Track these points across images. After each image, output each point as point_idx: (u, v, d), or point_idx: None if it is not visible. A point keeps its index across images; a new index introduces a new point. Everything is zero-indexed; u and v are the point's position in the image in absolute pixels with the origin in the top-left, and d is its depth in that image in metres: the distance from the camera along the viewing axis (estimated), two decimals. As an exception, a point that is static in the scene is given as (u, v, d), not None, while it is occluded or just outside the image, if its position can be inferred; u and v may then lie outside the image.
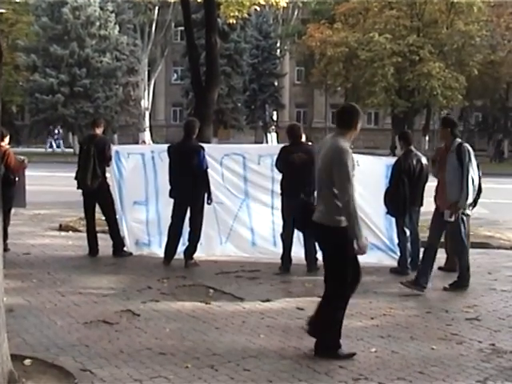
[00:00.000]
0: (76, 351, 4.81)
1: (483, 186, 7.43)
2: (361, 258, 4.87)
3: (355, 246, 4.65)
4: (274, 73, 44.90)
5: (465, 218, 6.94)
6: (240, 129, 42.10)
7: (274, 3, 14.17)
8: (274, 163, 7.92)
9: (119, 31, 36.49)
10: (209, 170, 7.97)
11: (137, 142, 35.71)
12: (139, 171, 8.66)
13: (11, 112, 40.88)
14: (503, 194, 17.15)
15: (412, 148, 7.83)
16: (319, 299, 5.07)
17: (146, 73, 40.29)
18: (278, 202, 7.99)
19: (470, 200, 6.72)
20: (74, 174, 8.51)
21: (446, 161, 6.84)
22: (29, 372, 4.35)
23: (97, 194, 8.43)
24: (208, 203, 7.94)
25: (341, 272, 4.79)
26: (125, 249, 8.57)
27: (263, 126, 43.00)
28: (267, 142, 39.65)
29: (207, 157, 7.96)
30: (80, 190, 8.53)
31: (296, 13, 45.49)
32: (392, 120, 39.44)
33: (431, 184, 7.46)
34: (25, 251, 8.57)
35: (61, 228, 10.41)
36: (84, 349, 4.88)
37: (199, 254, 8.15)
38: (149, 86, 40.64)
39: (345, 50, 34.68)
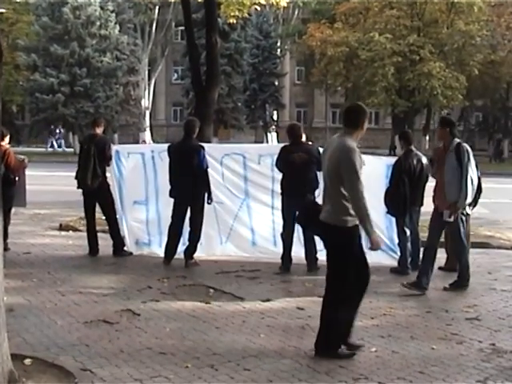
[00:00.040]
0: (76, 351, 4.82)
1: (483, 185, 7.43)
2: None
3: (367, 242, 4.66)
4: (274, 72, 44.83)
5: (464, 217, 6.94)
6: (240, 128, 42.03)
7: (275, 3, 14.11)
8: (275, 163, 7.91)
9: (119, 31, 36.42)
10: (209, 170, 7.97)
11: (137, 142, 35.73)
12: (139, 171, 8.66)
13: (11, 111, 40.88)
14: (503, 194, 17.16)
15: (412, 148, 7.83)
16: (319, 299, 5.07)
17: (147, 72, 40.32)
18: (278, 202, 7.99)
19: (469, 200, 6.72)
20: (74, 174, 8.51)
21: (444, 161, 6.83)
22: (29, 371, 4.36)
23: (97, 194, 8.42)
24: (208, 203, 7.94)
25: (343, 272, 4.81)
26: (125, 248, 8.58)
27: (263, 126, 43.00)
28: (267, 141, 39.72)
29: (207, 156, 7.96)
30: (80, 190, 8.52)
31: (296, 12, 45.49)
32: (392, 120, 39.44)
33: (431, 184, 7.45)
34: (25, 251, 8.57)
35: (61, 227, 10.41)
36: (84, 348, 4.88)
37: (199, 254, 8.15)
38: (149, 85, 40.68)
39: (345, 50, 34.68)
